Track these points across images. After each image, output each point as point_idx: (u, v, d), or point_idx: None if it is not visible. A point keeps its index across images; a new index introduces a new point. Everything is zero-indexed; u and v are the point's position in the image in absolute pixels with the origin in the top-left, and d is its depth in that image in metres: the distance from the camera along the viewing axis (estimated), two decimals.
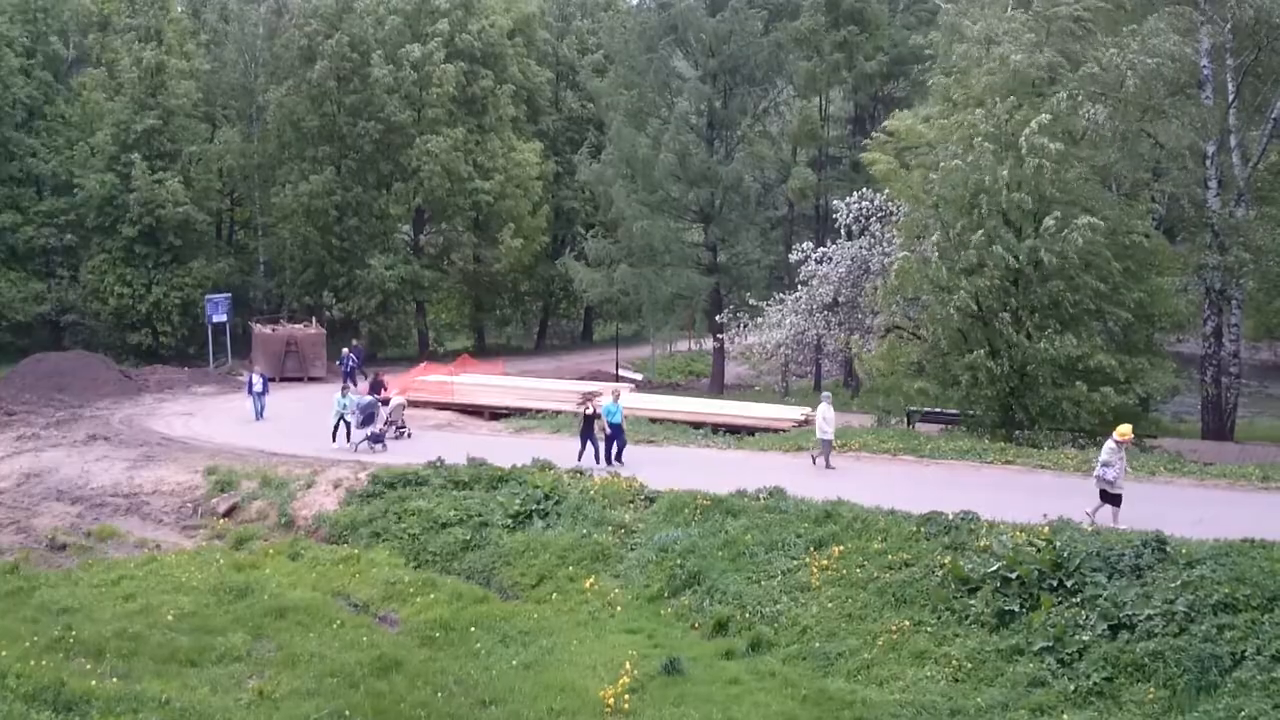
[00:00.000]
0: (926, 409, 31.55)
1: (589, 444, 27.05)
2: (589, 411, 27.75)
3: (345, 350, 41.15)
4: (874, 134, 37.78)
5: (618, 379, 47.27)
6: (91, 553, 24.58)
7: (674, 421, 33.07)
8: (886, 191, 34.82)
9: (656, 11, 48.31)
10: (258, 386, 35.46)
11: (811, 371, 47.49)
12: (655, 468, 25.71)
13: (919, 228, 30.74)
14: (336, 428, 30.67)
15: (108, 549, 24.96)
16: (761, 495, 22.73)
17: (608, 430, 26.84)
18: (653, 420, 32.42)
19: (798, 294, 38.07)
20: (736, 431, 32.05)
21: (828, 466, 25.62)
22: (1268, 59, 32.56)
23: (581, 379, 45.86)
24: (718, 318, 43.99)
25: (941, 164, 28.80)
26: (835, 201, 40.04)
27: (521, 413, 35.53)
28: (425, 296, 56.19)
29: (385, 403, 32.73)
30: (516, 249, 53.40)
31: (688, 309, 47.54)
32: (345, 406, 30.78)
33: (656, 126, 48.04)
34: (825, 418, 25.54)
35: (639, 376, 50.12)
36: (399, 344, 56.58)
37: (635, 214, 46.46)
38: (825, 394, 27.28)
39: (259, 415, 35.15)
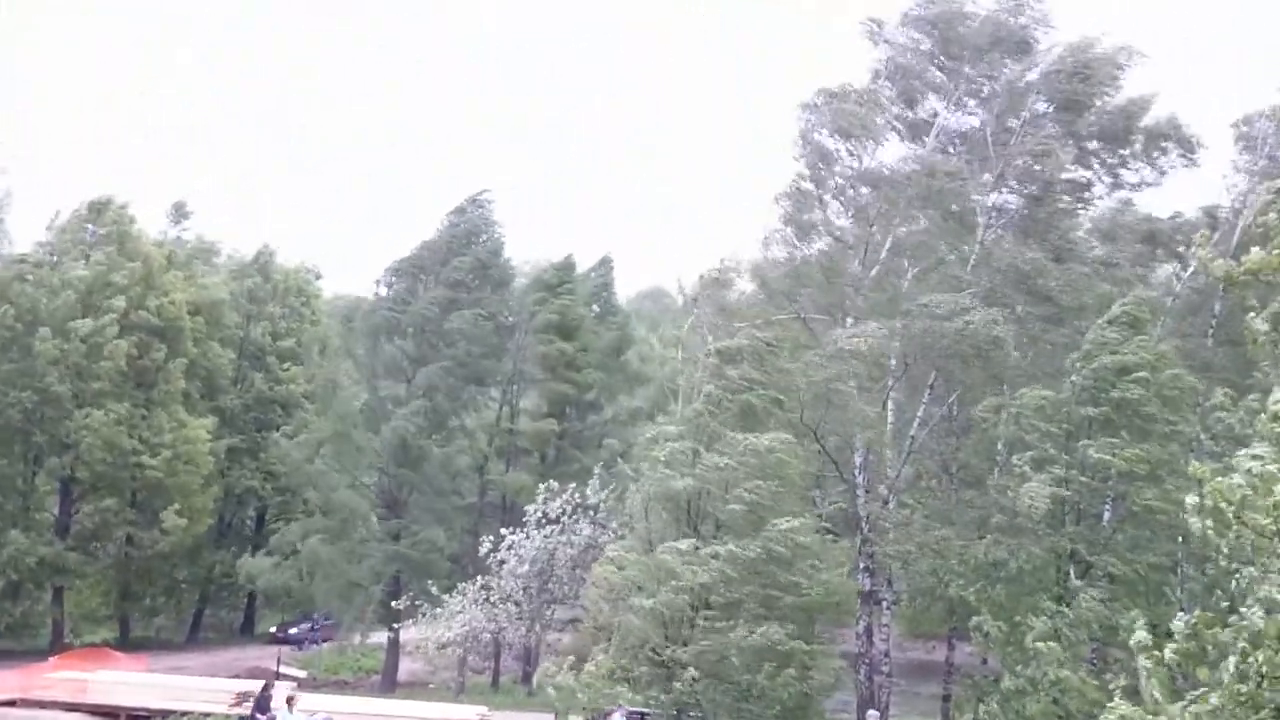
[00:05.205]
0: (621, 705, 30.90)
1: None
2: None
3: None
4: None
5: (279, 677, 43.70)
6: None
7: None
8: (574, 485, 35.52)
9: (389, 308, 48.95)
10: None
11: (490, 667, 45.99)
12: None
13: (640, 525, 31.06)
14: None
15: None
16: None
17: None
18: None
19: (480, 583, 37.35)
20: None
21: None
22: (918, 379, 36.56)
23: (237, 676, 42.18)
24: (394, 604, 42.27)
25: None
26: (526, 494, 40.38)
27: (165, 715, 31.89)
28: (66, 581, 50.75)
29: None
30: (180, 527, 50.01)
31: (366, 598, 45.56)
32: None
33: (365, 410, 48.16)
34: None
35: (303, 674, 46.60)
36: (32, 634, 50.22)
37: (332, 486, 45.96)
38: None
39: None
